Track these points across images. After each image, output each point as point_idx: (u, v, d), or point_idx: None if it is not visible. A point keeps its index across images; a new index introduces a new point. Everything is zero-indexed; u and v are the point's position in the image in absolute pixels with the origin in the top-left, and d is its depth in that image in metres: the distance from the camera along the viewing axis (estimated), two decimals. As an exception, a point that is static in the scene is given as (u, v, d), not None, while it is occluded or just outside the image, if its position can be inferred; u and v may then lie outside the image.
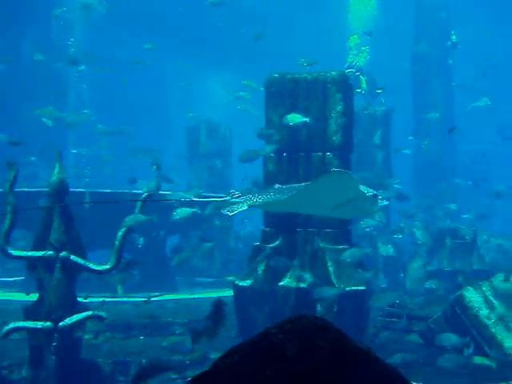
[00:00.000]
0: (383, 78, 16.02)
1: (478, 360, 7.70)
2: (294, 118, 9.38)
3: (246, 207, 7.74)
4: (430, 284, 10.79)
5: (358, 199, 7.09)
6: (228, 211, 7.80)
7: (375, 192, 7.31)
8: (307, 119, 9.36)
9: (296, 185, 7.77)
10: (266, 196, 7.73)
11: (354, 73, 14.42)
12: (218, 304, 6.12)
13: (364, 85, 15.23)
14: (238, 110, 20.27)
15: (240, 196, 7.93)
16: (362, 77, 14.81)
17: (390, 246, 14.29)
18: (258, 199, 7.78)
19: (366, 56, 16.03)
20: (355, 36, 16.53)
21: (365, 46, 16.44)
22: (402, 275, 13.05)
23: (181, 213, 10.96)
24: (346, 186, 6.73)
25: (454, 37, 15.10)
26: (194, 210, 11.01)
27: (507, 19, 29.17)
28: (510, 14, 28.42)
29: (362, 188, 7.14)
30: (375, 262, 14.10)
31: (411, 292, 11.61)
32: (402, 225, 14.74)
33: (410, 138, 20.10)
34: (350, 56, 16.04)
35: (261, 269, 9.33)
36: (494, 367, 7.59)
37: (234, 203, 7.84)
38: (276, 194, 7.67)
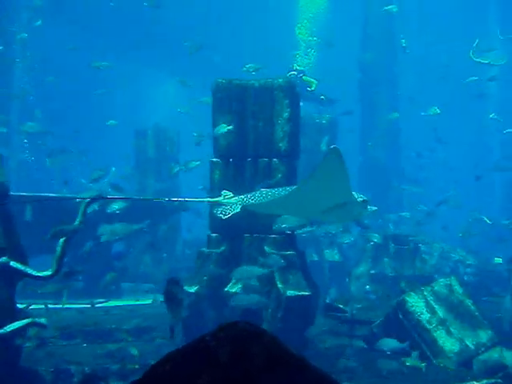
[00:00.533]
0: (332, 84, 16.20)
1: (415, 363, 7.83)
2: (220, 129, 9.47)
3: (238, 209, 7.80)
4: (373, 288, 10.95)
5: (350, 203, 7.21)
6: (221, 214, 7.91)
7: (365, 198, 7.43)
8: (230, 127, 9.42)
9: (288, 187, 7.81)
10: (260, 197, 7.82)
11: (297, 75, 14.48)
12: (171, 282, 5.90)
13: (314, 86, 15.28)
14: (189, 115, 20.13)
15: (232, 197, 8.07)
16: (306, 77, 14.83)
17: (335, 251, 14.45)
18: (250, 200, 7.89)
19: (309, 58, 16.05)
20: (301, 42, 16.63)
21: (310, 49, 16.51)
22: (347, 280, 13.20)
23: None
24: (340, 173, 6.69)
25: (403, 41, 15.33)
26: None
27: (450, 33, 30.00)
28: (452, 28, 29.22)
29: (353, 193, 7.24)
30: (321, 268, 14.24)
31: (356, 297, 11.76)
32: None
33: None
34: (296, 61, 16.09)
35: (207, 274, 9.31)
36: (427, 371, 7.76)
37: (225, 204, 7.98)
38: (270, 195, 7.76)
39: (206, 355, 2.22)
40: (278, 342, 2.30)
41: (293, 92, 9.70)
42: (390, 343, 7.83)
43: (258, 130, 9.56)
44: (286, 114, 9.48)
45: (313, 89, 14.84)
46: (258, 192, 8.12)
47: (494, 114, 23.13)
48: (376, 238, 12.58)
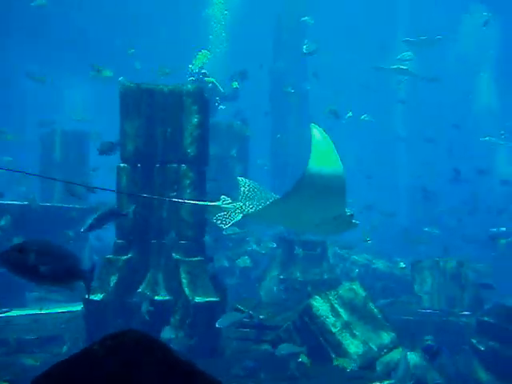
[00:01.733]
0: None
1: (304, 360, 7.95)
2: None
3: (239, 218, 7.54)
4: (281, 293, 11.08)
5: (341, 216, 7.24)
6: (222, 224, 7.65)
7: (352, 212, 7.45)
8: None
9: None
10: (259, 205, 7.62)
11: (197, 79, 14.32)
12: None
13: (221, 88, 15.20)
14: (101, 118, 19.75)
15: (231, 203, 7.85)
16: (207, 78, 14.63)
17: (246, 256, 14.53)
18: (249, 208, 7.69)
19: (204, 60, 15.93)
20: (206, 51, 16.50)
21: (204, 50, 16.40)
22: (257, 285, 13.29)
23: None
24: (340, 183, 6.66)
25: (304, 47, 15.50)
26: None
27: (359, 47, 30.91)
28: (362, 42, 30.10)
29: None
30: (232, 273, 14.28)
31: (265, 302, 11.86)
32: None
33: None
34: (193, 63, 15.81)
35: (113, 282, 9.12)
36: (331, 373, 7.92)
37: (224, 211, 7.74)
38: (269, 201, 7.53)
39: (93, 364, 2.16)
40: (168, 350, 2.28)
41: (202, 98, 9.70)
42: (285, 347, 7.93)
43: (166, 136, 9.49)
44: (194, 120, 9.46)
45: (224, 92, 14.78)
46: (256, 200, 8.00)
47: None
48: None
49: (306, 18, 21.42)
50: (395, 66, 17.88)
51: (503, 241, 16.88)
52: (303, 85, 21.32)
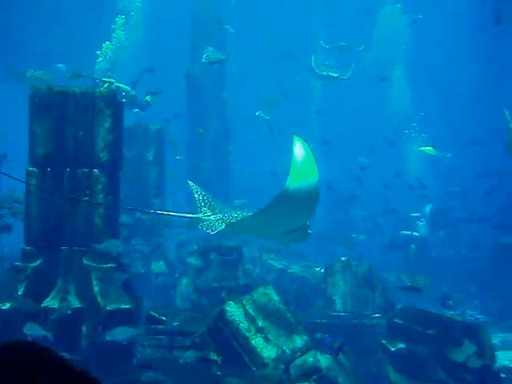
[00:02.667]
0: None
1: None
2: None
3: (223, 227, 7.73)
4: (197, 298, 11.03)
5: (304, 226, 7.62)
6: (209, 230, 7.82)
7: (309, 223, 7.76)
8: None
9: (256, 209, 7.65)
10: (237, 216, 7.80)
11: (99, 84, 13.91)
12: None
13: (127, 87, 14.80)
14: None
15: (211, 215, 8.03)
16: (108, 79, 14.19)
17: (161, 262, 14.37)
18: (229, 220, 7.83)
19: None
20: (108, 43, 16.07)
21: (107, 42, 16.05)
22: (172, 292, 13.17)
23: None
24: (316, 195, 6.93)
25: (204, 56, 15.36)
26: None
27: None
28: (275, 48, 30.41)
29: None
30: (147, 280, 14.08)
31: (180, 308, 11.77)
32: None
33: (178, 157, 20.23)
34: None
35: (21, 290, 8.81)
36: (246, 378, 7.95)
37: (206, 221, 7.95)
38: (249, 212, 7.76)
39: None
40: (59, 359, 2.20)
41: (115, 101, 9.54)
42: (194, 353, 7.94)
43: (78, 139, 9.28)
44: (107, 124, 9.29)
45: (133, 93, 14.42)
46: (234, 212, 8.18)
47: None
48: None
49: (228, 26, 21.49)
50: (325, 73, 17.82)
51: (413, 246, 17.43)
52: (221, 90, 21.28)
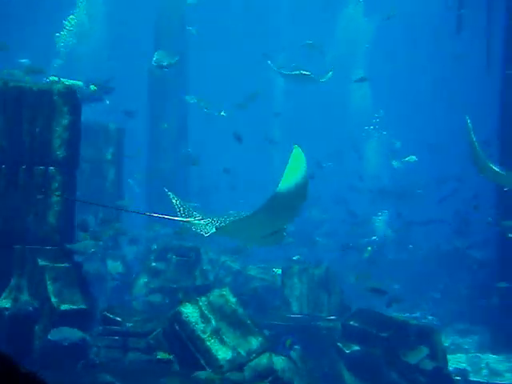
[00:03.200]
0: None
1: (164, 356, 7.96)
2: None
3: (213, 230, 7.90)
4: (153, 299, 10.95)
5: (281, 229, 7.94)
6: (203, 232, 7.98)
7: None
8: None
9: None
10: (225, 220, 7.94)
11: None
12: None
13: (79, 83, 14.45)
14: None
15: (202, 219, 8.23)
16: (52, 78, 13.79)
17: (118, 262, 14.21)
18: (218, 223, 8.00)
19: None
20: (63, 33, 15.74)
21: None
22: (128, 292, 13.02)
23: None
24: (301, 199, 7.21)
25: (154, 58, 15.24)
26: None
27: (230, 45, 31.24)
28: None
29: None
30: (103, 280, 13.92)
31: (135, 308, 11.64)
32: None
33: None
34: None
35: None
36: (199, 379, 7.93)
37: (197, 224, 8.16)
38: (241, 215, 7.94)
39: None
40: (6, 361, 2.16)
41: (73, 99, 9.41)
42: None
43: (34, 136, 9.12)
44: (65, 121, 9.16)
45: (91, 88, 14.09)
46: (224, 216, 8.37)
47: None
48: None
49: (192, 28, 21.36)
50: (297, 72, 17.18)
51: (369, 248, 17.56)
52: (182, 90, 21.09)
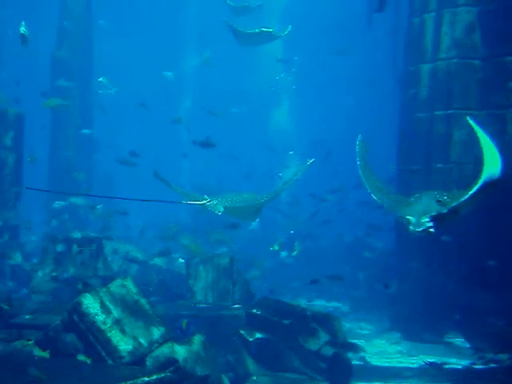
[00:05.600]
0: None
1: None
2: None
3: (222, 209, 9.81)
4: (54, 291, 10.66)
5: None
6: (216, 211, 9.81)
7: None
8: None
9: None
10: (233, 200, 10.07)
11: None
12: None
13: None
14: None
15: (210, 200, 10.00)
16: None
17: (18, 254, 13.74)
18: (225, 203, 10.00)
19: None
20: None
21: None
22: (28, 284, 12.60)
23: None
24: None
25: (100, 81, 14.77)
26: None
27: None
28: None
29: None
30: (2, 272, 13.47)
31: (35, 300, 11.30)
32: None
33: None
34: None
35: None
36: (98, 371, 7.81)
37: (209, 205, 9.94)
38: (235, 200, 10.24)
39: None
40: None
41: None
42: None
43: None
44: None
45: None
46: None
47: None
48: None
49: (101, 21, 21.05)
50: (257, 30, 15.03)
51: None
52: (88, 74, 20.66)
